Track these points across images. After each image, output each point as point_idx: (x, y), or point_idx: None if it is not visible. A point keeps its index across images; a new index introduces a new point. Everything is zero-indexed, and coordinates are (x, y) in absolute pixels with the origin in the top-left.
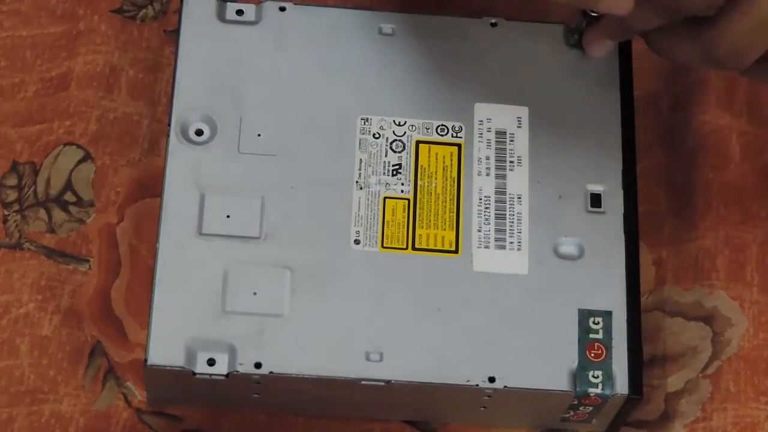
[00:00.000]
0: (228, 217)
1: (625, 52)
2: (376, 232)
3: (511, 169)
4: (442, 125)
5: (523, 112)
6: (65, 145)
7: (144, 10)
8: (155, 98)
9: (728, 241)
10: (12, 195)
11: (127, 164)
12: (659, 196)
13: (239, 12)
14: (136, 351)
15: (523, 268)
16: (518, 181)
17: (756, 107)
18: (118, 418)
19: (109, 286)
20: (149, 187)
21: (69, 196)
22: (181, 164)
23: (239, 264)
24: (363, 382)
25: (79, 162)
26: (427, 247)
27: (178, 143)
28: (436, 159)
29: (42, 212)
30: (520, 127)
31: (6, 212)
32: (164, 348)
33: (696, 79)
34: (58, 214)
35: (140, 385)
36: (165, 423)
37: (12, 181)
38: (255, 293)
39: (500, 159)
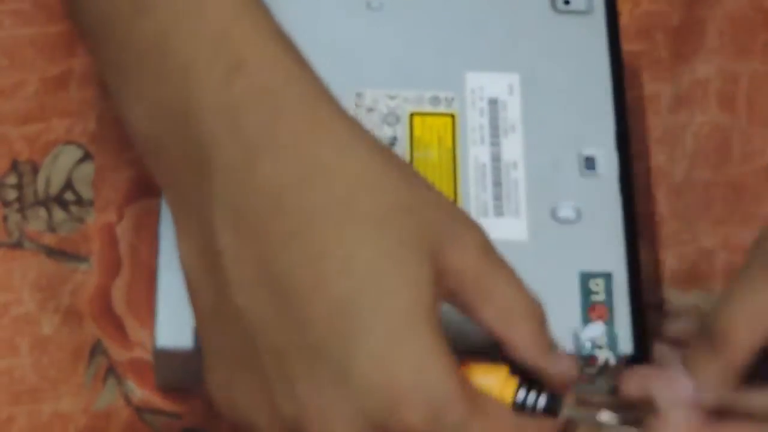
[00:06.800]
0: None
1: (611, 12)
2: None
3: (506, 137)
4: (435, 96)
5: (515, 79)
6: (65, 144)
7: None
8: None
9: (728, 242)
10: (12, 194)
11: (127, 163)
12: (659, 197)
13: None
14: (137, 350)
15: (523, 233)
16: (513, 147)
17: (756, 107)
18: (118, 417)
19: (110, 285)
20: (149, 187)
21: (69, 195)
22: None
23: None
24: None
25: (79, 161)
26: None
27: None
28: (431, 130)
29: (42, 211)
30: (512, 94)
31: (6, 211)
32: (172, 330)
33: (696, 79)
34: (58, 213)
35: (141, 384)
36: (165, 421)
37: (12, 180)
38: None
39: (494, 127)
